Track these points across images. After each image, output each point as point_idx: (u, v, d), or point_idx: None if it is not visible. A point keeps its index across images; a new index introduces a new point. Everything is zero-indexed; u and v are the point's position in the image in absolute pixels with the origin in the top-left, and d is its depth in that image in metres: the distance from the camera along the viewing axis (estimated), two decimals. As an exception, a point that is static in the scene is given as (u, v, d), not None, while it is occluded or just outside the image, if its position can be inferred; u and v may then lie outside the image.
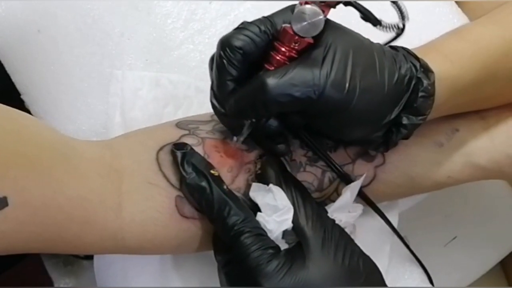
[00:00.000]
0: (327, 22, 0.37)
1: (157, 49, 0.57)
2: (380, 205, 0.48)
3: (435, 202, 0.66)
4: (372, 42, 0.39)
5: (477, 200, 0.70)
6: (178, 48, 0.57)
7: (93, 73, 0.55)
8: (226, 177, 0.40)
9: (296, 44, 0.36)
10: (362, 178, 0.43)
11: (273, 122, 0.40)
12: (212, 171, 0.39)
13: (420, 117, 0.38)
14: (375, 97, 0.37)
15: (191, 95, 0.55)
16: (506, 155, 0.46)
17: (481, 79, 0.41)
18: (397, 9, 0.41)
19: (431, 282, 0.54)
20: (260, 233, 0.37)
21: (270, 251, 0.36)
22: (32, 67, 0.55)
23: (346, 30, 0.38)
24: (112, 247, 0.38)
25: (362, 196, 0.44)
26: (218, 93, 0.39)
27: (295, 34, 0.36)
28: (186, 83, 0.55)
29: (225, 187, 0.38)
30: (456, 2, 0.65)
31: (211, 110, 0.46)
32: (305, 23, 0.35)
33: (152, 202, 0.39)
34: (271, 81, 0.35)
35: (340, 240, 0.37)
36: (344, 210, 0.42)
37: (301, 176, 0.42)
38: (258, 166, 0.41)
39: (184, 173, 0.38)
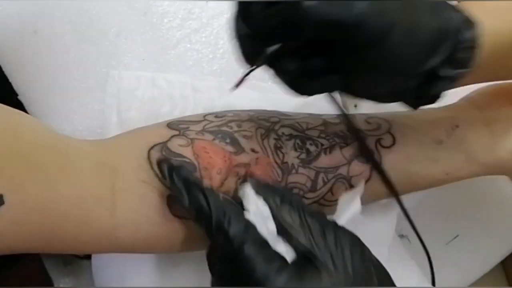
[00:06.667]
0: None
1: (153, 49, 0.57)
2: (379, 204, 0.48)
3: (437, 200, 0.65)
4: None
5: (480, 198, 0.69)
6: (175, 47, 0.57)
7: (89, 73, 0.55)
8: (216, 179, 0.40)
9: None
10: (363, 183, 0.42)
11: (291, 63, 0.35)
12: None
13: (461, 70, 0.36)
14: (414, 36, 0.34)
15: (188, 94, 0.55)
16: (506, 150, 0.45)
17: None
18: None
19: (433, 279, 0.53)
20: (264, 242, 0.35)
21: (277, 262, 0.34)
22: (28, 67, 0.55)
23: None
24: (107, 246, 0.38)
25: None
26: (246, 9, 0.35)
27: None
28: (183, 82, 0.55)
29: (221, 197, 0.37)
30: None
31: (207, 110, 0.46)
32: None
33: (146, 201, 0.39)
34: None
35: (345, 245, 0.36)
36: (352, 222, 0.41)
37: (293, 178, 0.42)
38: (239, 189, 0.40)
39: (177, 192, 0.37)
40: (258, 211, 0.36)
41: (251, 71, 0.36)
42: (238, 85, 0.37)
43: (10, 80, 0.56)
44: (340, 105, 0.41)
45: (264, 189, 0.38)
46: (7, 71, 0.56)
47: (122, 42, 0.56)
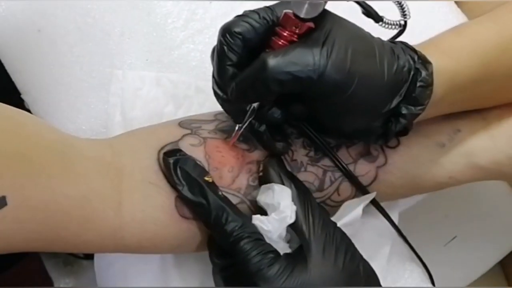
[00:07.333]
0: (328, 12, 0.37)
1: (157, 49, 0.57)
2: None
3: (435, 201, 0.66)
4: (371, 35, 0.39)
5: (477, 199, 0.70)
6: (179, 47, 0.57)
7: (93, 73, 0.55)
8: (227, 177, 0.40)
9: (297, 29, 0.36)
10: (374, 193, 0.43)
11: (276, 112, 0.40)
12: (206, 178, 0.38)
13: (419, 107, 0.38)
14: (375, 84, 0.37)
15: (191, 95, 0.55)
16: (507, 156, 0.46)
17: (479, 75, 0.41)
18: (399, 6, 0.41)
19: (432, 281, 0.54)
20: (259, 238, 0.37)
21: (271, 255, 0.36)
22: (32, 66, 0.55)
23: (347, 21, 0.38)
24: (112, 246, 0.38)
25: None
26: (219, 78, 0.39)
27: (296, 17, 0.36)
28: (187, 83, 0.55)
29: (220, 193, 0.38)
30: (455, 2, 0.65)
31: (211, 110, 0.46)
32: (306, 4, 0.35)
33: (152, 201, 0.39)
34: (272, 59, 0.35)
35: (341, 244, 0.37)
36: (351, 225, 0.42)
37: (302, 176, 0.42)
38: (260, 169, 0.41)
39: (177, 182, 0.38)
40: (283, 215, 0.37)
41: (240, 128, 0.40)
42: (233, 141, 0.41)
43: (13, 79, 0.56)
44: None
45: (285, 174, 0.40)
46: (10, 69, 0.56)
47: (126, 42, 0.56)
